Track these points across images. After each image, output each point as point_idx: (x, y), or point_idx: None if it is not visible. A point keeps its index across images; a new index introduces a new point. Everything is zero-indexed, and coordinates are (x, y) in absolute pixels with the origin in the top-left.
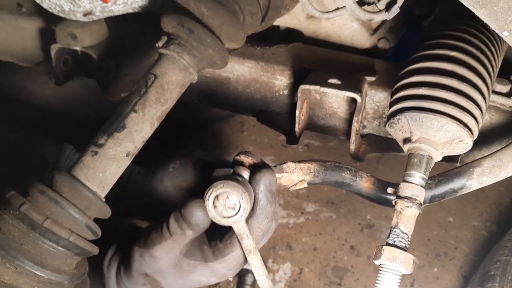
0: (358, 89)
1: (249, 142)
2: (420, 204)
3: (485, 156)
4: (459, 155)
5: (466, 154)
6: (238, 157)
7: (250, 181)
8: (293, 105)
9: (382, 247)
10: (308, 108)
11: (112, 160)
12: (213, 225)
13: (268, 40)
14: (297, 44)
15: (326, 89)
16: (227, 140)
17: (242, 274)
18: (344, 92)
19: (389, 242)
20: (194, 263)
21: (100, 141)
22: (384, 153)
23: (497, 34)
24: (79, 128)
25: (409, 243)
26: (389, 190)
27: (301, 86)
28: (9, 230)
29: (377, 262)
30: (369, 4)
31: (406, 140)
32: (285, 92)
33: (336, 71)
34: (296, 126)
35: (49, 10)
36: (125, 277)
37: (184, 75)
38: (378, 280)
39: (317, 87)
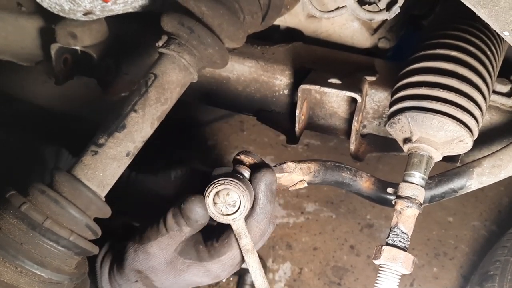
0: (358, 89)
1: (249, 142)
2: (420, 204)
3: (485, 156)
4: (459, 155)
5: (466, 154)
6: (238, 157)
7: (250, 180)
8: (293, 105)
9: (381, 247)
10: (308, 107)
11: (112, 159)
12: (209, 226)
13: (268, 39)
14: (297, 44)
15: (326, 89)
16: (227, 139)
17: (242, 274)
18: (344, 92)
19: (388, 242)
20: (188, 262)
21: (100, 141)
22: (384, 153)
23: (497, 34)
24: (79, 128)
25: (408, 243)
26: (389, 190)
27: (301, 85)
28: (9, 230)
29: (376, 262)
30: (370, 3)
31: (406, 140)
32: (285, 91)
33: (337, 71)
34: (296, 125)
35: (49, 9)
36: (117, 273)
37: (184, 74)
38: (377, 279)
39: (317, 87)
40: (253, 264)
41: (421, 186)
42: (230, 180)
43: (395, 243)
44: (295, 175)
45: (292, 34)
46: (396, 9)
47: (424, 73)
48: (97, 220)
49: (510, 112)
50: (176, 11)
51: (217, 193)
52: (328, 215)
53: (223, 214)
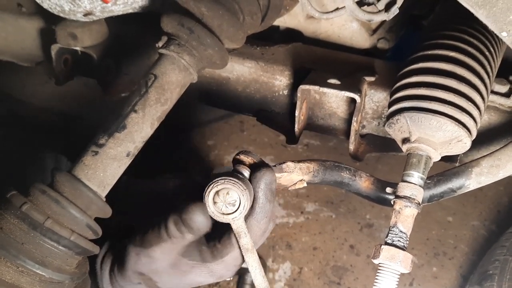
0: (357, 89)
1: (249, 142)
2: (419, 203)
3: (484, 156)
4: (457, 155)
5: (465, 154)
6: (238, 156)
7: (250, 180)
8: (292, 105)
9: (381, 246)
10: (308, 108)
11: (112, 160)
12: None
13: (268, 40)
14: (296, 44)
15: (325, 89)
16: (227, 139)
17: (242, 273)
18: (343, 92)
19: (387, 241)
20: (192, 264)
21: (101, 141)
22: (383, 153)
23: (496, 34)
24: (79, 128)
25: (407, 242)
26: (388, 189)
27: (300, 86)
28: (10, 230)
29: (376, 261)
30: (369, 4)
31: (405, 140)
32: (285, 92)
33: (336, 71)
34: (296, 126)
35: (49, 10)
36: (119, 275)
37: (184, 75)
38: (376, 279)
39: (316, 87)
40: (253, 263)
41: (419, 186)
42: (230, 180)
43: (394, 242)
44: (295, 174)
45: (292, 35)
46: (395, 10)
47: (423, 73)
48: (97, 220)
49: (509, 112)
50: (176, 12)
51: (217, 192)
52: (328, 215)
53: (223, 214)
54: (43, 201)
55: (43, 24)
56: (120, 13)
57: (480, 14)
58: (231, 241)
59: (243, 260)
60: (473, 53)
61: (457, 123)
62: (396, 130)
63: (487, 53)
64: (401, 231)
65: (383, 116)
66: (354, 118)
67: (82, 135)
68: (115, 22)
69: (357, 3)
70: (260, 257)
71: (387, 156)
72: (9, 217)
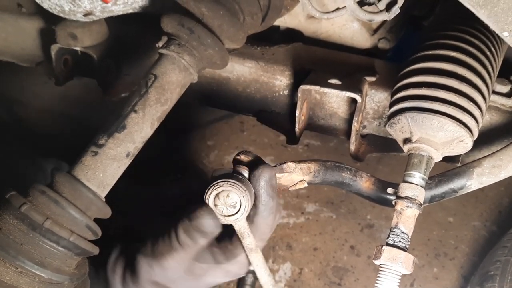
0: (358, 89)
1: (249, 142)
2: (420, 204)
3: (485, 156)
4: (459, 155)
5: (466, 154)
6: (238, 157)
7: (249, 179)
8: (293, 105)
9: (382, 247)
10: (308, 108)
11: (112, 160)
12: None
13: (268, 40)
14: (297, 44)
15: (326, 89)
16: (227, 140)
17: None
18: (344, 92)
19: (389, 242)
20: (206, 266)
21: (100, 141)
22: (384, 153)
23: (497, 34)
24: (79, 128)
25: (409, 243)
26: (389, 190)
27: (301, 86)
28: (10, 230)
29: (377, 262)
30: (370, 4)
31: (406, 140)
32: (285, 92)
33: (336, 71)
34: (296, 126)
35: (49, 10)
36: (132, 284)
37: (184, 75)
38: (378, 280)
39: (317, 87)
40: (257, 262)
41: (421, 186)
42: (230, 182)
43: (395, 243)
44: (295, 175)
45: (292, 35)
46: (395, 10)
47: (424, 73)
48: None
49: (510, 113)
50: (176, 12)
51: (217, 195)
52: (328, 215)
53: (224, 216)
54: (43, 202)
55: (43, 24)
56: (120, 13)
57: (482, 14)
58: None
59: None
60: (474, 53)
61: (458, 123)
62: (397, 130)
63: (488, 53)
64: (402, 232)
65: (384, 116)
66: (355, 118)
67: (82, 135)
68: (115, 22)
69: (358, 3)
70: None
71: (388, 157)
72: (8, 218)
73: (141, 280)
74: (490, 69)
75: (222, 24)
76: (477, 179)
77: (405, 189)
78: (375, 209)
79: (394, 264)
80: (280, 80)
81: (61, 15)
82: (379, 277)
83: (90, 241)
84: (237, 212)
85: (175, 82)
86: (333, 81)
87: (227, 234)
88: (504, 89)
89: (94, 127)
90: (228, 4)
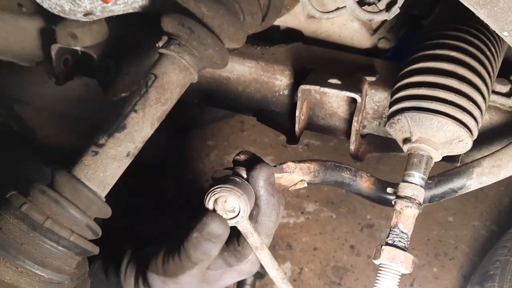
0: (358, 89)
1: (249, 142)
2: (420, 204)
3: (485, 156)
4: (459, 155)
5: (466, 154)
6: (238, 157)
7: (248, 179)
8: (293, 105)
9: (381, 246)
10: (308, 108)
11: (112, 160)
12: None
13: (268, 40)
14: (297, 44)
15: (326, 89)
16: (227, 140)
17: None
18: (344, 92)
19: (388, 241)
20: (220, 272)
21: (101, 141)
22: (384, 153)
23: (497, 34)
24: (79, 128)
25: (408, 242)
26: (389, 190)
27: (301, 86)
28: (10, 230)
29: (376, 262)
30: (369, 4)
31: (406, 140)
32: (285, 92)
33: (336, 71)
34: (296, 126)
35: (50, 10)
36: None
37: (185, 75)
38: (377, 279)
39: (317, 87)
40: (264, 259)
41: (420, 186)
42: (226, 187)
43: (395, 243)
44: (295, 175)
45: (292, 35)
46: (395, 10)
47: (423, 73)
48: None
49: (510, 112)
50: (176, 12)
51: (215, 200)
52: (328, 215)
53: (225, 219)
54: (43, 201)
55: (43, 24)
56: (121, 13)
57: (481, 14)
58: None
59: None
60: (474, 53)
61: (458, 123)
62: (397, 130)
63: (488, 53)
64: (402, 232)
65: (383, 116)
66: (355, 118)
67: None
68: (115, 22)
69: (358, 2)
70: None
71: (388, 156)
72: (8, 217)
73: None
74: (490, 69)
75: (222, 23)
76: (477, 179)
77: (405, 189)
78: (375, 209)
79: (394, 264)
80: (280, 80)
81: (61, 14)
82: (378, 276)
83: (90, 240)
84: (236, 216)
85: (175, 82)
86: (333, 81)
87: (235, 234)
88: (504, 89)
89: (94, 127)
90: (228, 3)
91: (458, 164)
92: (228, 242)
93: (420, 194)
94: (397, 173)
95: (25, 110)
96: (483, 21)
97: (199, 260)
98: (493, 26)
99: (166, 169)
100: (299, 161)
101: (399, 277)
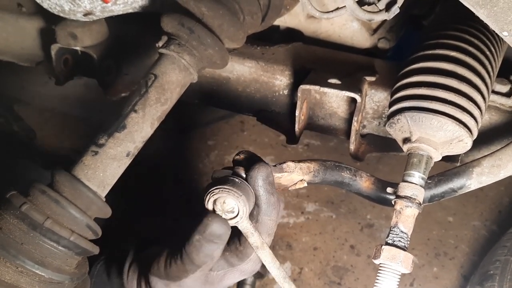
0: (358, 89)
1: (249, 142)
2: (420, 203)
3: (485, 156)
4: (458, 155)
5: (466, 153)
6: (237, 157)
7: (247, 179)
8: (293, 105)
9: (381, 246)
10: (308, 108)
11: (112, 160)
12: None
13: (268, 40)
14: (297, 44)
15: (326, 89)
16: (227, 139)
17: None
18: (344, 92)
19: (388, 241)
20: (222, 273)
21: (101, 141)
22: (384, 153)
23: (496, 34)
24: (79, 128)
25: (408, 242)
26: (389, 189)
27: (301, 86)
28: (10, 230)
29: (376, 262)
30: (369, 4)
31: (406, 140)
32: (285, 92)
33: (336, 71)
34: (296, 126)
35: (49, 10)
36: None
37: (184, 75)
38: (377, 279)
39: (317, 87)
40: (265, 258)
41: (420, 186)
42: (225, 188)
43: (394, 242)
44: (295, 174)
45: (292, 35)
46: (395, 10)
47: (423, 73)
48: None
49: (510, 112)
50: (176, 12)
51: (214, 201)
52: (328, 215)
53: (225, 219)
54: (43, 201)
55: (43, 24)
56: (120, 13)
57: (481, 14)
58: None
59: None
60: (474, 53)
61: (458, 123)
62: (397, 130)
63: (488, 52)
64: (402, 231)
65: (383, 116)
66: (355, 118)
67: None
68: (115, 22)
69: (358, 2)
70: None
71: (388, 156)
72: (8, 217)
73: None
74: (490, 69)
75: (222, 23)
76: (477, 179)
77: (405, 189)
78: (375, 208)
79: (394, 264)
80: (280, 80)
81: (61, 14)
82: (378, 276)
83: (91, 240)
84: (235, 217)
85: (175, 82)
86: (333, 80)
87: (236, 234)
88: (504, 88)
89: (94, 127)
90: (228, 3)
91: (458, 164)
92: (230, 242)
93: (420, 194)
94: (397, 173)
95: (25, 110)
96: (483, 21)
97: (202, 263)
98: (492, 26)
99: (166, 169)
100: (299, 161)
101: (399, 276)
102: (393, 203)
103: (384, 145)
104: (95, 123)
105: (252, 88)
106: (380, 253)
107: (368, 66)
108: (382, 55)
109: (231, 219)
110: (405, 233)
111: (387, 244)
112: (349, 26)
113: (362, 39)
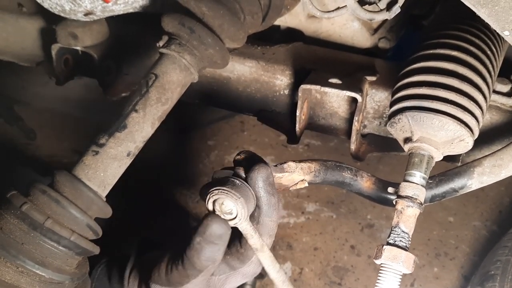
0: (358, 89)
1: (250, 142)
2: (421, 203)
3: (486, 156)
4: (460, 155)
5: (467, 153)
6: (238, 157)
7: (247, 181)
8: (293, 105)
9: (383, 246)
10: (309, 107)
11: (113, 159)
12: None
13: (269, 39)
14: (297, 44)
15: (326, 89)
16: (227, 139)
17: None
18: (344, 91)
19: (389, 241)
20: (224, 277)
21: (101, 141)
22: (385, 153)
23: (497, 33)
24: (79, 128)
25: (409, 242)
26: (390, 189)
27: (301, 85)
28: (10, 230)
29: (377, 262)
30: (370, 3)
31: (407, 140)
32: (286, 91)
33: (337, 71)
34: (297, 125)
35: (50, 10)
36: None
37: (185, 74)
38: (378, 279)
39: (317, 87)
40: (265, 261)
41: (422, 185)
42: (223, 190)
43: (396, 242)
44: (296, 174)
45: (293, 34)
46: (396, 9)
47: (424, 72)
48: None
49: (511, 112)
50: (176, 12)
51: (213, 202)
52: (329, 215)
53: (225, 220)
54: (43, 201)
55: (44, 24)
56: (121, 12)
57: (482, 13)
58: None
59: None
60: (475, 52)
61: (459, 122)
62: (398, 129)
63: (489, 52)
64: (403, 231)
65: (384, 115)
66: (356, 118)
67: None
68: (115, 22)
69: (359, 2)
70: None
71: (389, 156)
72: (9, 217)
73: None
74: (491, 68)
75: (223, 23)
76: (478, 179)
77: (406, 189)
78: (375, 208)
79: (395, 264)
80: (281, 80)
81: (62, 14)
82: (379, 276)
83: (91, 240)
84: (234, 218)
85: (176, 82)
86: (333, 80)
87: (236, 236)
88: (505, 88)
89: (94, 127)
90: (229, 3)
91: (459, 164)
92: (230, 245)
93: (421, 194)
94: (398, 172)
95: (25, 110)
96: (483, 21)
97: (203, 267)
98: (494, 25)
99: (166, 169)
100: (300, 161)
101: (401, 277)
102: (394, 203)
103: (385, 145)
104: (95, 123)
105: (252, 88)
106: (381, 253)
107: (369, 66)
108: (383, 55)
109: (230, 220)
110: (407, 233)
111: (388, 244)
112: (350, 26)
113: (362, 38)
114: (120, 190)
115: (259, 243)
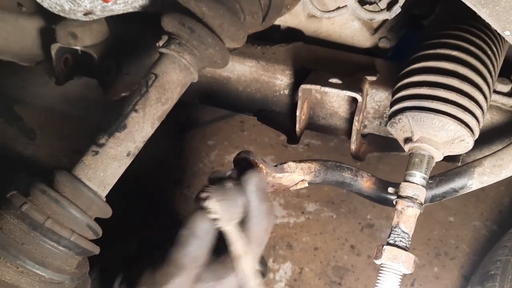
0: (359, 89)
1: (250, 142)
2: (421, 203)
3: (486, 156)
4: (460, 155)
5: (467, 153)
6: (237, 157)
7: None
8: (293, 105)
9: (383, 246)
10: (309, 107)
11: (113, 159)
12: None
13: (269, 39)
14: (298, 44)
15: (327, 89)
16: (227, 139)
17: None
18: (345, 91)
19: (390, 241)
20: (210, 285)
21: (101, 141)
22: (385, 153)
23: (498, 33)
24: (79, 128)
25: (409, 242)
26: (390, 189)
27: (302, 85)
28: (10, 230)
29: (378, 262)
30: (370, 3)
31: (407, 140)
32: (286, 91)
33: (337, 71)
34: (297, 125)
35: (50, 9)
36: None
37: (185, 74)
38: (378, 279)
39: (318, 87)
40: (244, 270)
41: (422, 185)
42: (209, 190)
43: (396, 243)
44: (296, 175)
45: (293, 34)
46: (396, 9)
47: (424, 72)
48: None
49: (511, 112)
50: (176, 11)
51: (200, 200)
52: (329, 215)
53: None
54: (43, 201)
55: (43, 23)
56: (121, 12)
57: (483, 13)
58: None
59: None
60: (476, 52)
61: (459, 122)
62: (398, 129)
63: (489, 52)
64: (403, 231)
65: (384, 115)
66: (356, 118)
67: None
68: (115, 22)
69: (359, 2)
70: (261, 257)
71: (389, 156)
72: (9, 217)
73: None
74: (491, 68)
75: (223, 23)
76: (478, 179)
77: (406, 189)
78: (375, 208)
79: (395, 264)
80: (281, 80)
81: (61, 14)
82: (380, 276)
83: (91, 240)
84: (218, 219)
85: (176, 82)
86: (333, 80)
87: (223, 247)
88: (505, 88)
89: (94, 127)
90: (229, 3)
91: (459, 164)
92: (219, 253)
93: (422, 194)
94: (398, 172)
95: (25, 110)
96: (484, 20)
97: (185, 265)
98: (494, 25)
99: (166, 169)
100: (300, 161)
101: (401, 277)
102: (394, 203)
103: (385, 145)
104: (95, 123)
105: (252, 87)
106: (382, 253)
107: (369, 65)
108: (383, 54)
109: (213, 220)
110: (407, 233)
111: (388, 244)
112: (350, 26)
113: (363, 38)
114: (120, 190)
115: (242, 250)
